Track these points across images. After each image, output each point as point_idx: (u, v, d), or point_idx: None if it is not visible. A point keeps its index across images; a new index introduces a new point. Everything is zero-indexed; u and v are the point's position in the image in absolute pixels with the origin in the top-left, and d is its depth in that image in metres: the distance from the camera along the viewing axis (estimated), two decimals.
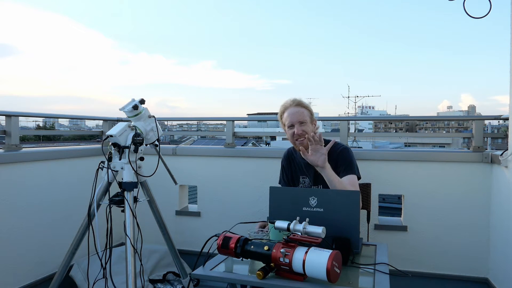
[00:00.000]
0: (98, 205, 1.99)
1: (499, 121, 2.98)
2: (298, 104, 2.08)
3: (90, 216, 1.95)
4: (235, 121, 3.19)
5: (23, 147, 2.54)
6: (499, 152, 2.37)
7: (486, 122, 2.88)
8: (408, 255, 2.64)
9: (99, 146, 2.52)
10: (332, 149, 2.10)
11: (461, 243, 2.59)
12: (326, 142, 2.18)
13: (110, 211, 1.90)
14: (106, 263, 1.90)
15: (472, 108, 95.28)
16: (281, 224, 1.39)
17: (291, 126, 2.06)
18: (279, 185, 2.32)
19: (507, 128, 2.28)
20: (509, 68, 2.12)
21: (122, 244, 2.87)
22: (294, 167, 2.24)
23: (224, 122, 3.20)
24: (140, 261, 1.96)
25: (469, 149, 2.73)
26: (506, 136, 2.36)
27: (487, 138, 2.70)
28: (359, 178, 2.08)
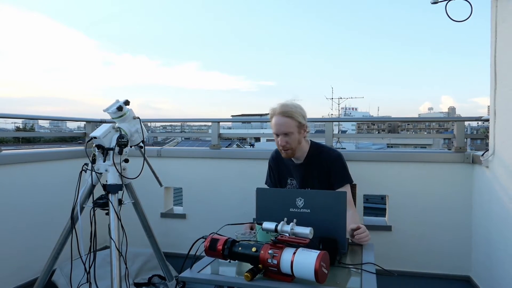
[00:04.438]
0: (82, 208, 1.95)
1: (478, 122, 3.05)
2: (285, 114, 2.00)
3: (73, 219, 1.92)
4: (220, 123, 3.18)
5: (2, 150, 2.47)
6: (480, 153, 2.42)
7: (466, 123, 2.94)
8: (393, 254, 2.67)
9: (81, 148, 2.48)
10: (325, 157, 2.10)
11: (444, 242, 2.63)
12: (317, 146, 2.17)
13: (94, 214, 1.86)
14: (90, 267, 1.87)
15: (452, 109, 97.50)
16: (269, 225, 1.39)
17: (277, 135, 2.06)
18: (266, 185, 2.32)
19: (487, 129, 2.33)
20: (490, 71, 2.17)
21: (106, 247, 2.83)
22: (282, 168, 2.24)
23: (209, 123, 3.19)
24: (125, 264, 1.93)
25: (450, 149, 2.78)
26: (486, 137, 2.41)
27: (467, 139, 2.75)
28: (352, 183, 2.13)
